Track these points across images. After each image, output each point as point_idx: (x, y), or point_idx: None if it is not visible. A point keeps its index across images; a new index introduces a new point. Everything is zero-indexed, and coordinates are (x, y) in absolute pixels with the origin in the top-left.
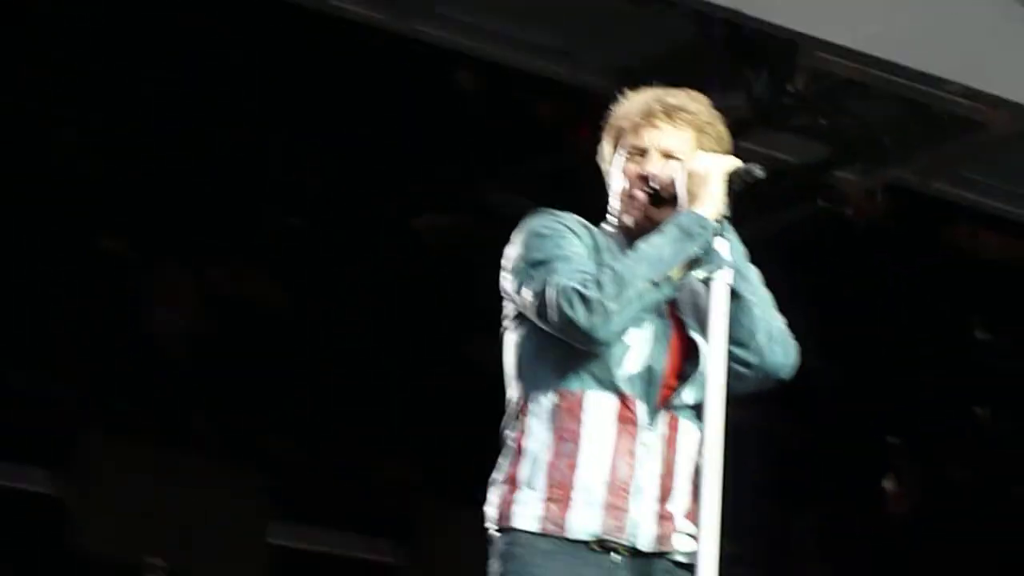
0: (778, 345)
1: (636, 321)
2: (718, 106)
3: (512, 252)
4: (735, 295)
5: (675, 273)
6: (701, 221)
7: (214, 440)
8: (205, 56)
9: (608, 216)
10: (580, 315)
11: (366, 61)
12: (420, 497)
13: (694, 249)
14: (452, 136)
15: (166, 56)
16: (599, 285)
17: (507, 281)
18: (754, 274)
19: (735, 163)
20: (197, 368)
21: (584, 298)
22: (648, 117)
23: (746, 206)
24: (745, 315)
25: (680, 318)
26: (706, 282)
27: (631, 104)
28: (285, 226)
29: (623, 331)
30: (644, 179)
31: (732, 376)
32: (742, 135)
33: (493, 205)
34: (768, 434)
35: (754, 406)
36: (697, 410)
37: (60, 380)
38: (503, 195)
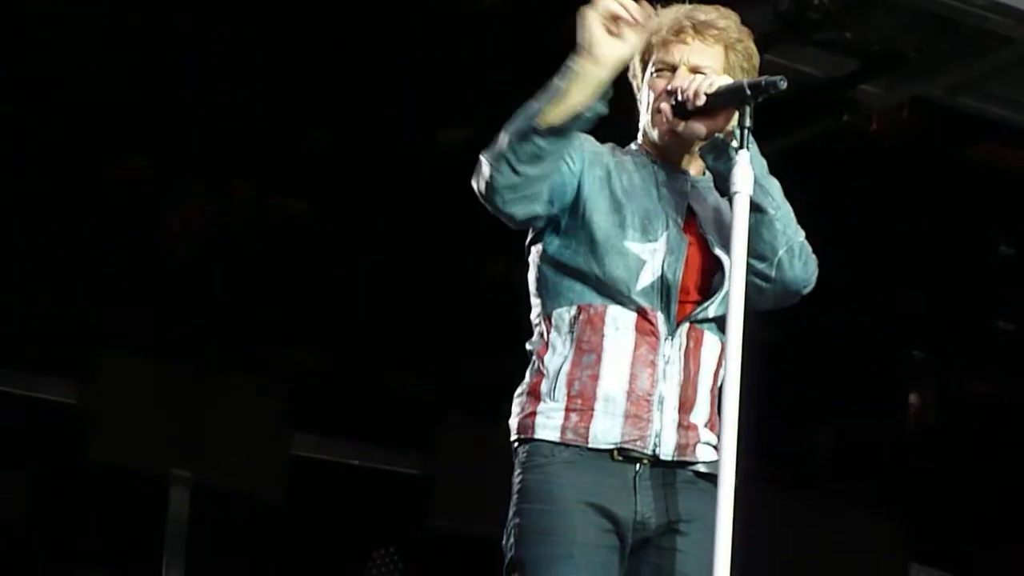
0: (798, 260)
1: (517, 156)
2: (743, 20)
3: None
4: (756, 208)
5: (553, 113)
6: (570, 59)
7: (238, 353)
8: None
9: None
10: (476, 182)
11: None
12: (445, 409)
13: (560, 85)
14: (475, 50)
15: None
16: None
17: None
18: (776, 187)
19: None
20: (222, 281)
21: (478, 164)
22: (678, 33)
23: (770, 120)
24: (766, 229)
25: (703, 235)
26: (728, 198)
27: (661, 20)
28: (309, 141)
29: (510, 181)
30: (671, 93)
31: (752, 290)
32: (767, 49)
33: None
34: (788, 350)
35: (777, 321)
36: (722, 324)
37: (86, 293)
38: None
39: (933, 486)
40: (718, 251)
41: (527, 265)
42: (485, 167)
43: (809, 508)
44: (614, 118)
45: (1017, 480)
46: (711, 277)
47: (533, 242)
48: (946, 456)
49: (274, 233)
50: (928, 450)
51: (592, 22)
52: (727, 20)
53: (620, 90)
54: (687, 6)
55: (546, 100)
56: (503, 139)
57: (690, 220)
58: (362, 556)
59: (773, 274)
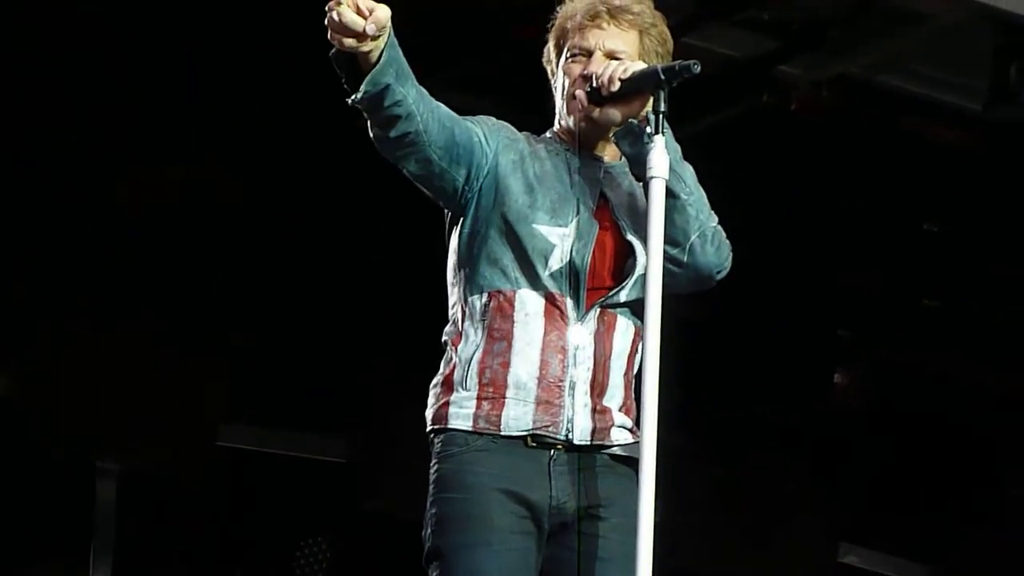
0: (711, 245)
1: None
2: (663, 1)
3: None
4: (669, 193)
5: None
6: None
7: (166, 341)
8: None
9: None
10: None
11: None
12: (376, 397)
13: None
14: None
15: None
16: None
17: None
18: (689, 173)
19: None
20: (149, 267)
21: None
22: (593, 18)
23: (689, 102)
24: (679, 214)
25: (615, 221)
26: (643, 183)
27: (576, 4)
28: (248, 120)
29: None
30: (586, 78)
31: (664, 274)
32: (687, 31)
33: (450, 101)
34: (719, 327)
35: (704, 300)
36: (635, 308)
37: (11, 275)
38: (450, 95)
39: (862, 464)
40: (630, 236)
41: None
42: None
43: (739, 485)
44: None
45: (945, 457)
46: (624, 262)
47: (449, 230)
48: (875, 434)
49: (204, 216)
50: (857, 428)
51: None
52: (641, 5)
53: (537, 77)
54: None
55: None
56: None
57: (603, 206)
58: (290, 545)
59: (685, 259)
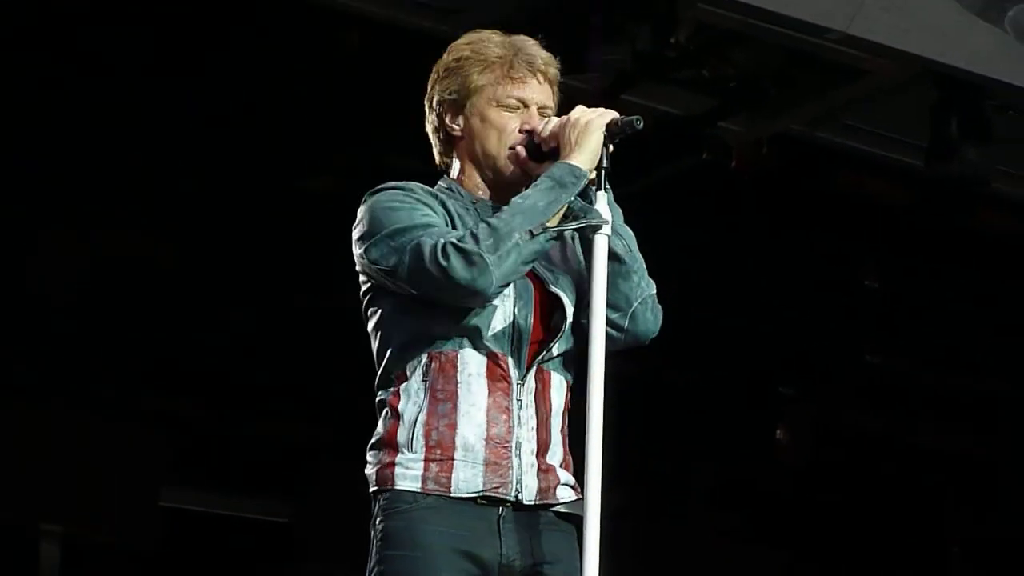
0: (651, 312)
1: (517, 274)
2: (603, 60)
3: (363, 229)
4: (614, 257)
5: (552, 223)
6: (575, 171)
7: (106, 405)
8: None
9: (450, 176)
10: (459, 268)
11: (250, 21)
12: (314, 458)
13: (567, 198)
14: (340, 97)
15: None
16: (476, 239)
17: (366, 257)
18: (632, 238)
19: (612, 116)
20: (89, 332)
21: (462, 251)
22: (525, 70)
23: (630, 160)
24: (623, 280)
25: (538, 274)
26: (581, 236)
27: (490, 49)
28: (174, 188)
29: (504, 284)
30: (528, 133)
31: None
32: (626, 88)
33: (382, 166)
34: (661, 386)
35: (643, 356)
36: (565, 362)
37: None
38: (391, 157)
39: (808, 518)
40: (554, 289)
41: (367, 315)
42: (470, 267)
43: (678, 541)
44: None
45: (885, 513)
46: (551, 316)
47: (377, 290)
48: (815, 491)
49: (142, 281)
50: (798, 484)
51: (600, 132)
52: (551, 55)
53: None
54: (518, 39)
55: (552, 211)
56: (503, 244)
57: None
58: None
59: (626, 325)
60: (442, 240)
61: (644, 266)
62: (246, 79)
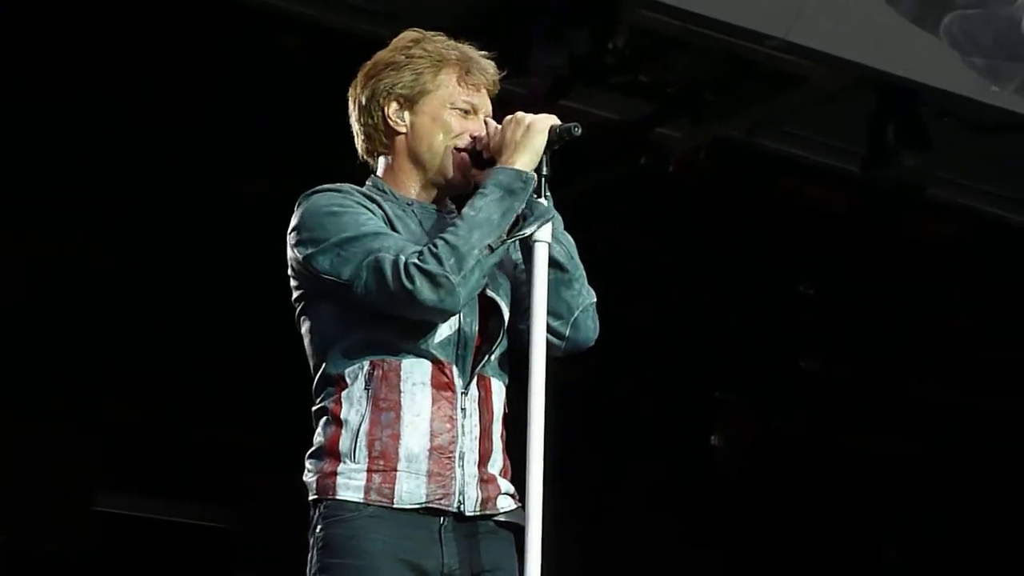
0: (591, 320)
1: (479, 288)
2: (541, 65)
3: (306, 235)
4: (556, 265)
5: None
6: (521, 175)
7: (40, 408)
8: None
9: (377, 173)
10: (425, 291)
11: (187, 24)
12: (251, 463)
13: (520, 206)
14: (278, 101)
15: None
16: (438, 259)
17: (312, 264)
18: (573, 246)
19: (554, 121)
20: (23, 335)
21: (427, 273)
22: (478, 78)
23: (568, 166)
24: (566, 288)
25: None
26: (524, 241)
27: (448, 56)
28: (110, 191)
29: (467, 301)
30: (474, 139)
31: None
32: (564, 94)
33: (319, 169)
34: (599, 391)
35: (581, 362)
36: (499, 363)
37: None
38: (328, 160)
39: (745, 521)
40: (491, 294)
41: (300, 319)
42: (437, 288)
43: (615, 546)
44: None
45: (821, 518)
46: (488, 321)
47: (314, 295)
48: (751, 496)
49: (77, 284)
50: (740, 487)
51: (544, 134)
52: (492, 62)
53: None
54: (464, 45)
55: (507, 221)
56: (466, 262)
57: None
58: None
59: (567, 332)
60: (403, 258)
61: (584, 274)
62: (183, 82)
